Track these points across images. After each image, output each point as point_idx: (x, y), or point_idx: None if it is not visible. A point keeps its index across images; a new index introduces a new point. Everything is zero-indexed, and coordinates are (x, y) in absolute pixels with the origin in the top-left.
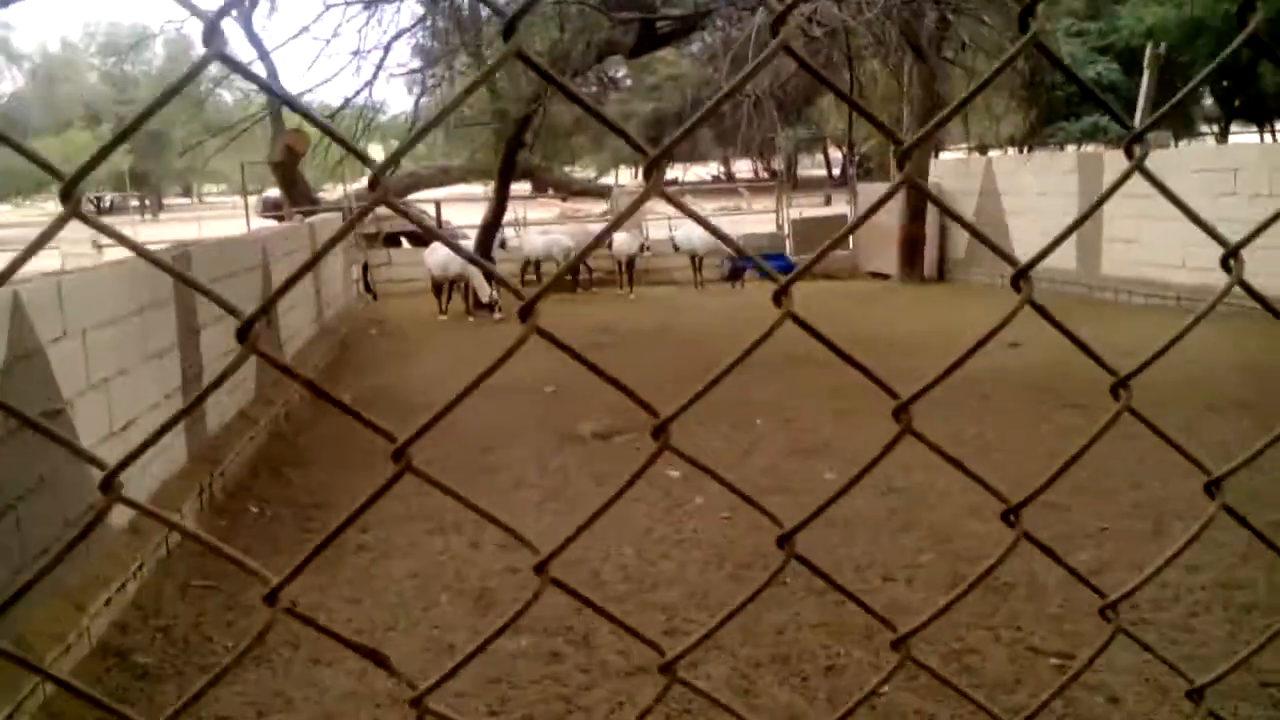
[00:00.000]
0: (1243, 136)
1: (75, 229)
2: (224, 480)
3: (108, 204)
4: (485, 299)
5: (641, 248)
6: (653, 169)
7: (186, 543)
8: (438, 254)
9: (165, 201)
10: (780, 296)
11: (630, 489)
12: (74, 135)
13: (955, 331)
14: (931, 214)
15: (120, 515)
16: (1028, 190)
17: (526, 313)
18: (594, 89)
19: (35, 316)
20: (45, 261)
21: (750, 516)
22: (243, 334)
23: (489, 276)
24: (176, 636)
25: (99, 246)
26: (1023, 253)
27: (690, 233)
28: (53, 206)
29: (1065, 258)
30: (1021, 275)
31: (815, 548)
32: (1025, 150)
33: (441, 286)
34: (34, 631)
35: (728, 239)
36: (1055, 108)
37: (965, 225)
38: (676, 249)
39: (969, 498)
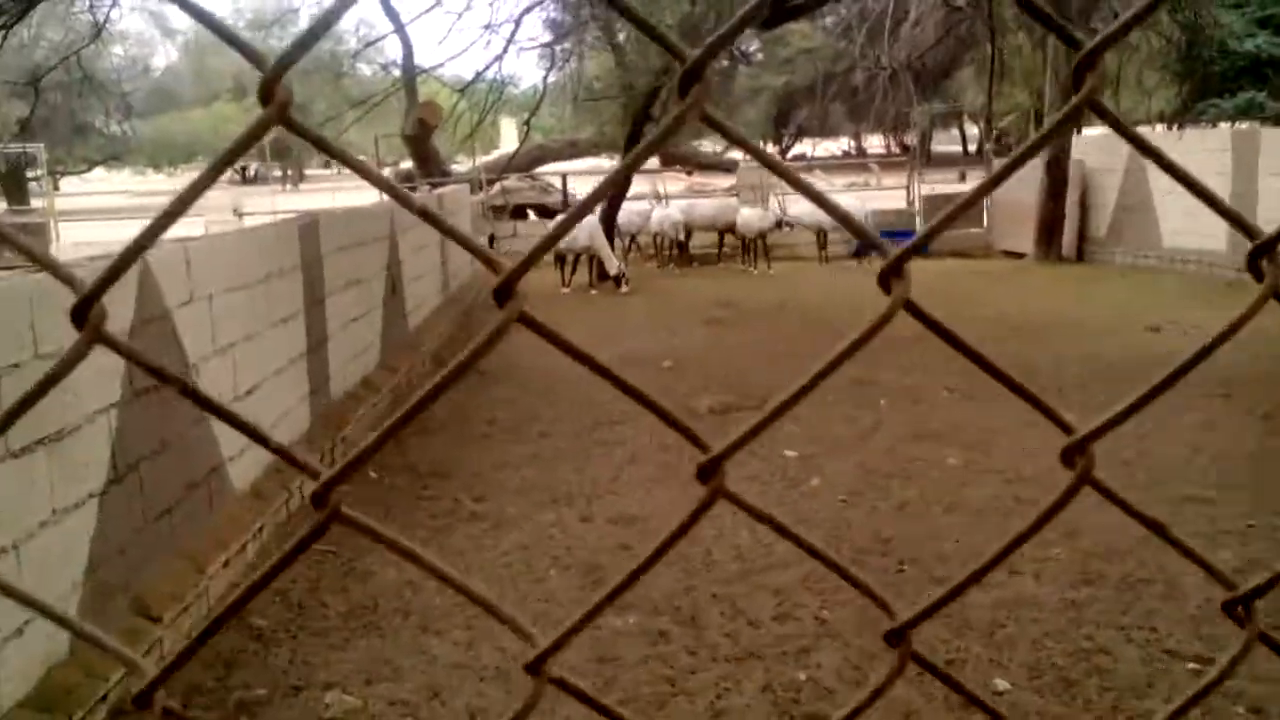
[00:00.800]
0: None
1: (217, 197)
2: (345, 446)
3: (252, 174)
4: (612, 271)
5: (779, 224)
6: (692, 81)
7: (307, 507)
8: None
9: (306, 172)
10: (889, 278)
11: (746, 469)
12: (221, 108)
13: (1093, 315)
14: (1071, 192)
15: (241, 479)
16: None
17: (503, 294)
18: (725, 63)
19: (162, 281)
20: (188, 229)
21: (868, 500)
22: (78, 316)
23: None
24: (292, 600)
25: (240, 214)
26: (1170, 233)
27: (814, 206)
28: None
29: (1215, 239)
30: (1264, 254)
31: (940, 535)
32: (1176, 127)
33: (565, 259)
34: (152, 591)
35: (831, 206)
36: (1210, 83)
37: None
38: (790, 226)
39: None
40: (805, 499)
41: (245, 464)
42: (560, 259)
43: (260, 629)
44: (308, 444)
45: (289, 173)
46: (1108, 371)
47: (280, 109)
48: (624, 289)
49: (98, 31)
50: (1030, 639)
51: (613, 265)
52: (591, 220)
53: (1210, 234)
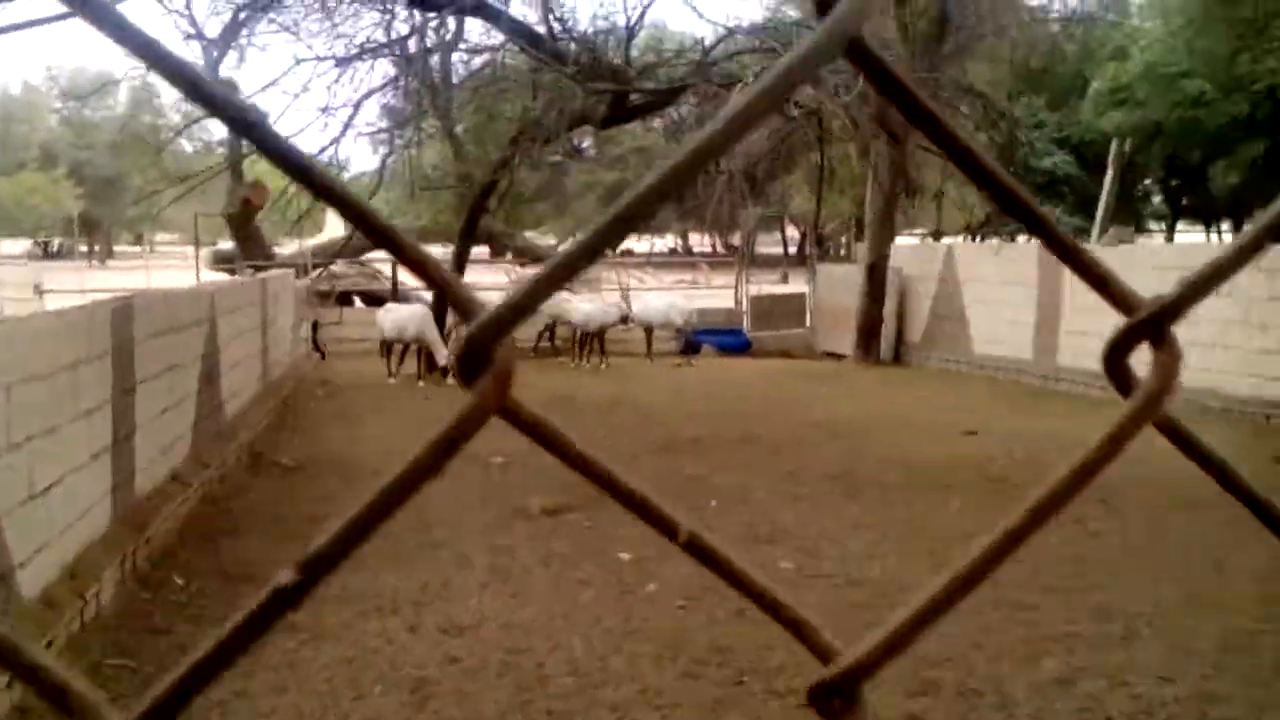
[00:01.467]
0: (1189, 235)
1: (15, 273)
2: (149, 548)
3: (56, 249)
4: (440, 362)
5: (624, 319)
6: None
7: (103, 617)
8: (394, 314)
9: (115, 249)
10: None
11: (580, 571)
12: (26, 177)
13: (912, 418)
14: (890, 298)
15: (31, 585)
16: (988, 279)
17: (476, 362)
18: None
19: None
20: None
21: (705, 605)
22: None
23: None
24: None
25: (41, 292)
26: (981, 341)
27: (647, 305)
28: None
29: (1021, 347)
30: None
31: (775, 642)
32: (979, 238)
33: (392, 348)
34: None
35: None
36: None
37: None
38: (631, 323)
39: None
40: (642, 604)
41: (36, 569)
42: (388, 348)
43: None
44: (107, 546)
45: (96, 248)
46: (929, 474)
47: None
48: (451, 380)
49: None
50: None
51: (442, 356)
52: (422, 310)
53: (1017, 343)
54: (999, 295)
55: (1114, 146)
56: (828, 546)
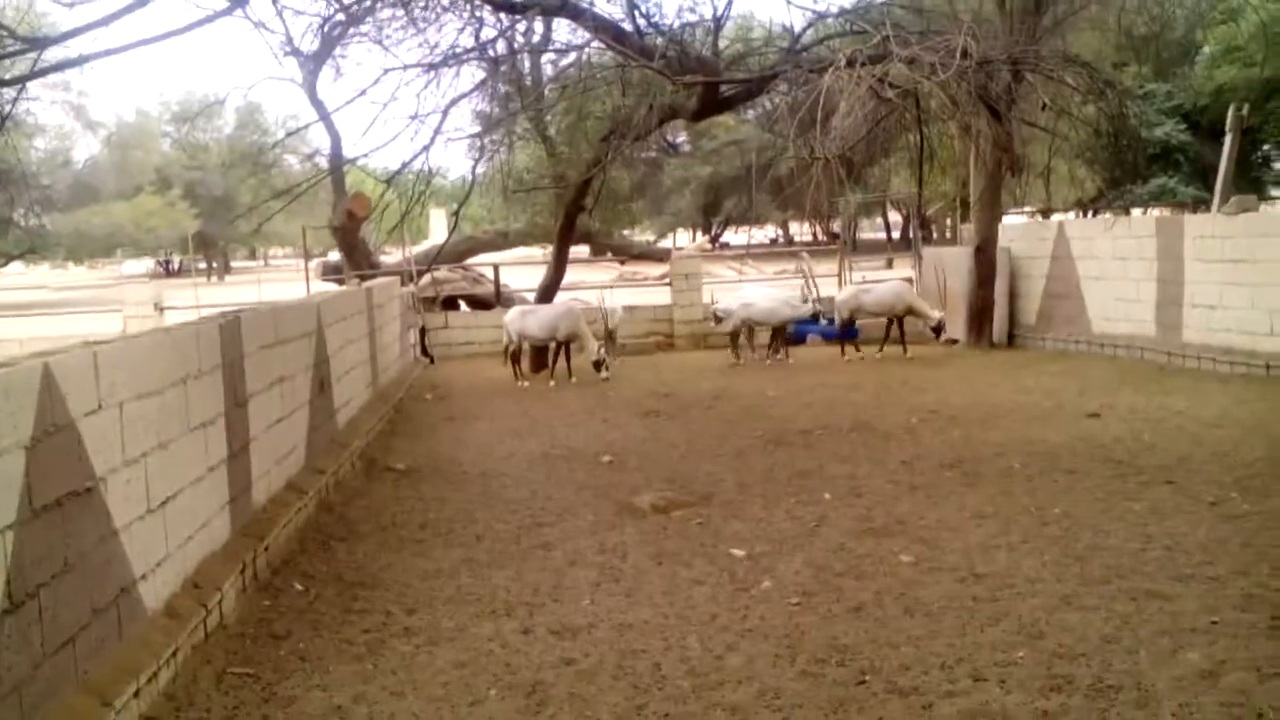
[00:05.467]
0: None
1: (137, 291)
2: (268, 556)
3: (176, 266)
4: (593, 358)
5: (715, 318)
6: None
7: (227, 625)
8: (540, 315)
9: (233, 264)
10: None
11: (692, 570)
12: (144, 200)
13: (1030, 401)
14: (1000, 279)
15: (154, 598)
16: (1103, 254)
17: None
18: (653, 153)
19: (67, 389)
20: (109, 322)
21: (822, 603)
22: None
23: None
24: None
25: (160, 309)
26: (1099, 319)
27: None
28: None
29: (1144, 323)
30: None
31: (897, 640)
32: (1091, 213)
33: (520, 350)
34: None
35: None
36: (1125, 170)
37: None
38: (718, 320)
39: (1063, 585)
40: (756, 603)
41: (158, 581)
42: (517, 351)
43: None
44: (227, 556)
45: (214, 264)
46: (1053, 458)
47: None
48: (605, 373)
49: (1, 121)
50: None
51: (593, 352)
52: (572, 307)
53: (1140, 320)
54: (1116, 271)
55: (1231, 111)
56: (948, 537)
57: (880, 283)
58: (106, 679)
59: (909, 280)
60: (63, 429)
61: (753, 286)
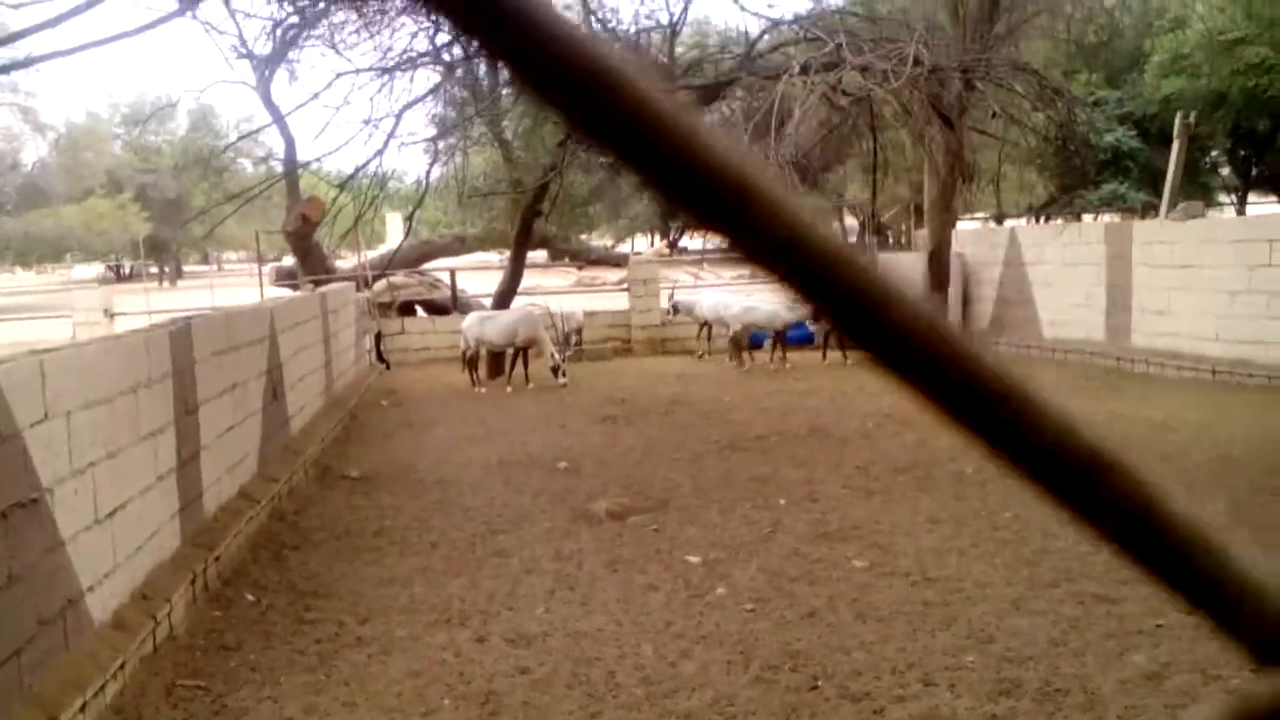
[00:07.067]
0: (1260, 207)
1: (87, 296)
2: (219, 566)
3: (127, 271)
4: (552, 363)
5: (673, 309)
6: None
7: (176, 637)
8: (499, 321)
9: (185, 269)
10: None
11: (647, 576)
12: (94, 203)
13: None
14: (954, 284)
15: (101, 609)
16: (1054, 260)
17: None
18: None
19: (12, 398)
20: (58, 328)
21: (775, 608)
22: None
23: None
24: None
25: (111, 315)
26: (1051, 324)
27: (701, 301)
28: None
29: (1094, 328)
30: None
31: (850, 645)
32: (1043, 219)
33: (478, 356)
34: None
35: None
36: (1075, 177)
37: None
38: (675, 312)
39: (1013, 589)
40: (711, 609)
41: (106, 592)
42: (474, 357)
43: None
44: (176, 566)
45: (166, 269)
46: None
47: None
48: (563, 379)
49: None
50: None
51: (552, 358)
52: (531, 312)
53: (1089, 325)
54: (1067, 277)
55: (1178, 119)
56: (901, 542)
57: None
58: (53, 692)
59: None
60: (7, 439)
61: (710, 290)
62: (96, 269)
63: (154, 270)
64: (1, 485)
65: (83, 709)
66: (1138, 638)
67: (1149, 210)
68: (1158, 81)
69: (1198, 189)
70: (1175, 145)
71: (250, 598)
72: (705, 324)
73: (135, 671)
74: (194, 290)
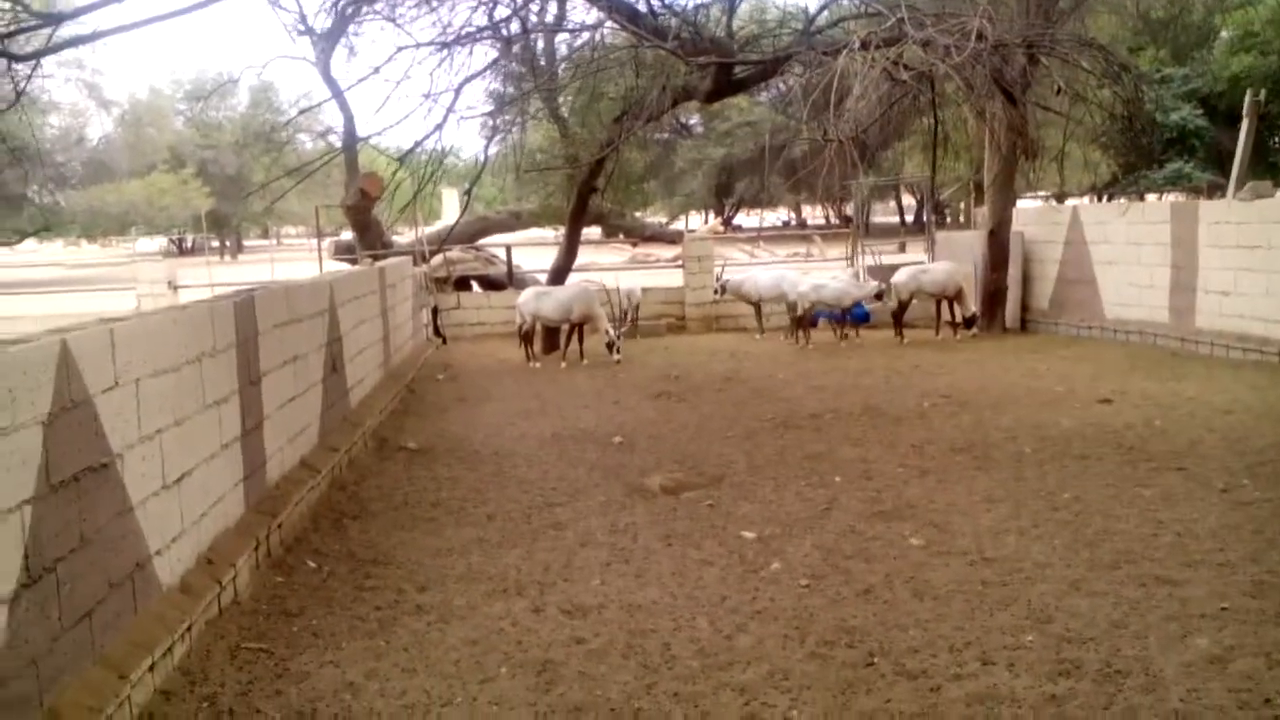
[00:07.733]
0: None
1: (151, 269)
2: (282, 533)
3: (189, 244)
4: (607, 339)
5: (721, 289)
6: None
7: (240, 601)
8: (555, 296)
9: (245, 243)
10: None
11: (702, 551)
12: (157, 178)
13: (1042, 386)
14: (1013, 264)
15: (169, 573)
16: (1117, 240)
17: None
18: (666, 135)
19: (84, 365)
20: (123, 300)
21: (831, 585)
22: None
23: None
24: (222, 706)
25: (174, 287)
26: (1113, 305)
27: (754, 279)
28: (135, 247)
29: (1157, 309)
30: None
31: (906, 623)
32: (1106, 198)
33: (534, 331)
34: (68, 703)
35: None
36: (1138, 154)
37: None
38: (723, 291)
39: (1072, 570)
40: (766, 585)
41: (173, 557)
42: (529, 333)
43: None
44: (240, 533)
45: (227, 243)
46: (1064, 443)
47: None
48: (617, 356)
49: (17, 97)
50: None
51: (606, 334)
52: (586, 288)
53: (1152, 306)
54: (1130, 256)
55: (1248, 96)
56: (958, 521)
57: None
58: (122, 653)
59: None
60: (80, 405)
61: (762, 269)
62: (159, 242)
63: (215, 244)
64: (74, 450)
65: (151, 669)
66: (1201, 621)
67: (1214, 190)
68: (1226, 58)
69: (1266, 168)
70: (1244, 123)
71: (312, 564)
72: (757, 303)
73: (201, 634)
74: (254, 264)
